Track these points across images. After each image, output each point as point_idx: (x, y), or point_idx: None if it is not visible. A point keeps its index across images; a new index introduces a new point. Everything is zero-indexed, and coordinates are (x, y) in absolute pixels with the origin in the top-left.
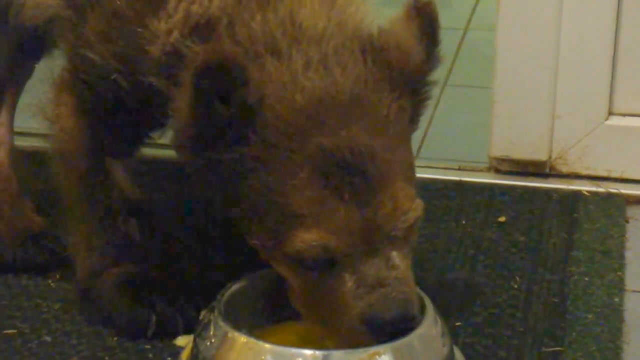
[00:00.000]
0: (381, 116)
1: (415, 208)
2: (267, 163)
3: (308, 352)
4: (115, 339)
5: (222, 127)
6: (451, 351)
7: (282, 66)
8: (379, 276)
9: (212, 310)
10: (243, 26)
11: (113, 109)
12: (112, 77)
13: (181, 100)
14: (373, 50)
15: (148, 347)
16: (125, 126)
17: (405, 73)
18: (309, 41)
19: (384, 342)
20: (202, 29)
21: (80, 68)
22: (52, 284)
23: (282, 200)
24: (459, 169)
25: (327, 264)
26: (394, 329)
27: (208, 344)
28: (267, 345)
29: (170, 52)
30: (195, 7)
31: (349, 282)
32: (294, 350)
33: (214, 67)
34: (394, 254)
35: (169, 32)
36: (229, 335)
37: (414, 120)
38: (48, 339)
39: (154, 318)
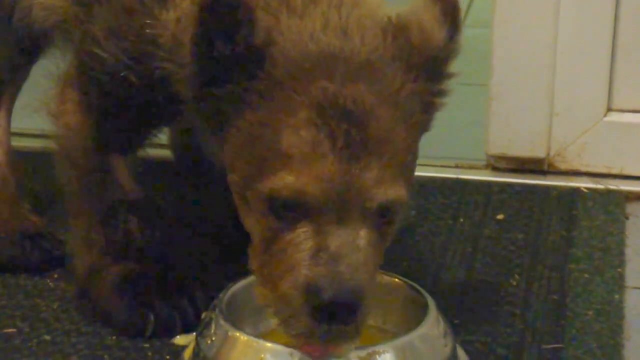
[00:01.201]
0: (392, 89)
1: (398, 192)
2: (269, 99)
3: None
4: (114, 337)
5: (226, 65)
6: (454, 351)
7: (299, 20)
8: (340, 250)
9: (213, 309)
10: None
11: (119, 106)
12: (122, 74)
13: (185, 35)
14: (394, 29)
15: (147, 345)
16: (131, 123)
17: (425, 55)
18: (329, 5)
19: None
20: None
21: (88, 65)
22: (50, 284)
23: (274, 137)
24: (456, 167)
25: (297, 214)
26: (333, 312)
27: (209, 342)
28: (268, 344)
29: (181, 37)
30: None
31: (310, 241)
32: (293, 349)
33: (220, 3)
34: (363, 232)
35: (178, 21)
36: (230, 334)
37: (426, 110)
38: (47, 337)
39: (152, 317)
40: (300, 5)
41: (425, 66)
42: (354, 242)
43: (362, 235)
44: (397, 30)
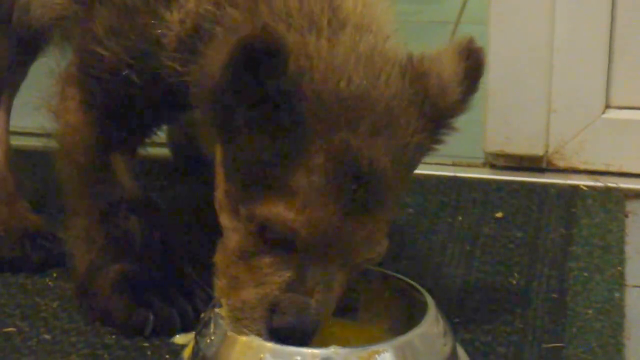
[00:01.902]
0: (404, 143)
1: (381, 248)
2: (289, 133)
3: (307, 350)
4: (114, 336)
5: (252, 99)
6: (454, 350)
7: (328, 44)
8: (315, 287)
9: (212, 308)
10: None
11: (120, 104)
12: (124, 73)
13: (215, 58)
14: (413, 71)
15: (146, 344)
16: (132, 121)
17: (437, 106)
18: (355, 29)
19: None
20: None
21: (89, 64)
22: (49, 283)
23: (285, 171)
24: (454, 165)
25: (283, 245)
26: (285, 334)
27: (208, 341)
28: (268, 344)
29: (184, 39)
30: None
31: (290, 272)
32: (293, 348)
33: (257, 48)
34: (339, 275)
35: (182, 22)
36: (229, 333)
37: (423, 155)
38: (47, 336)
39: (151, 316)
40: (326, 26)
41: (434, 117)
42: (329, 282)
43: (338, 278)
44: (417, 75)
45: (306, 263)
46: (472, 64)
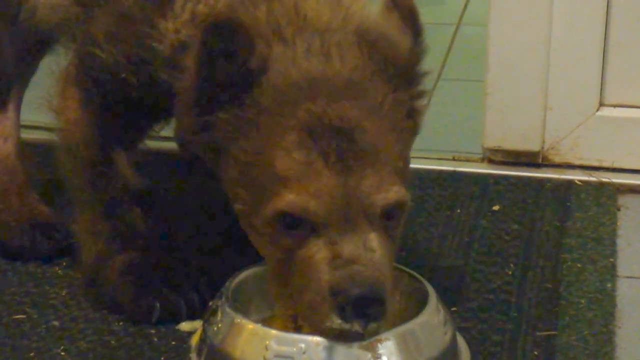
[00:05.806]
0: (375, 102)
1: (398, 192)
2: (259, 126)
3: (310, 338)
4: (121, 323)
5: (223, 86)
6: (453, 339)
7: (286, 49)
8: (354, 253)
9: (220, 297)
10: (248, 15)
11: (118, 103)
12: (122, 76)
13: (189, 59)
14: (367, 44)
15: (153, 331)
16: (130, 119)
17: (396, 64)
18: (313, 31)
19: (353, 321)
20: None
21: (88, 65)
22: (59, 271)
23: (269, 162)
24: (454, 160)
25: (305, 231)
26: (360, 309)
27: (215, 329)
28: (273, 332)
29: (177, 48)
30: (201, 7)
31: (324, 251)
32: (297, 336)
33: (223, 26)
34: (372, 235)
35: (177, 32)
36: (236, 321)
37: (411, 115)
38: (56, 323)
39: (157, 304)
40: (290, 34)
41: (400, 74)
42: (365, 245)
43: (372, 238)
44: (369, 46)
45: (334, 237)
46: (402, 10)
